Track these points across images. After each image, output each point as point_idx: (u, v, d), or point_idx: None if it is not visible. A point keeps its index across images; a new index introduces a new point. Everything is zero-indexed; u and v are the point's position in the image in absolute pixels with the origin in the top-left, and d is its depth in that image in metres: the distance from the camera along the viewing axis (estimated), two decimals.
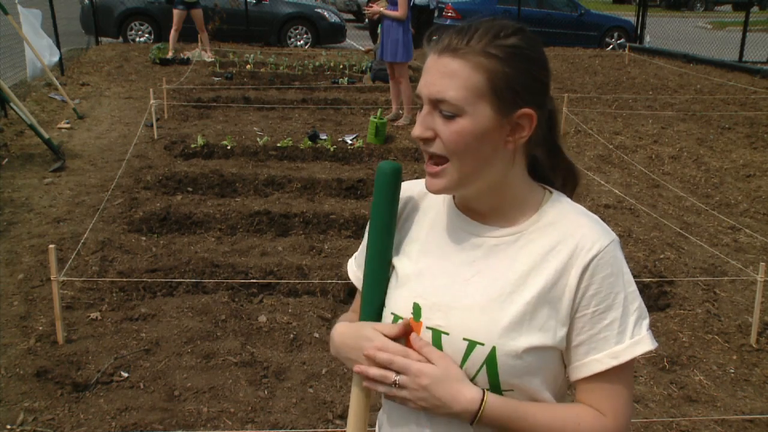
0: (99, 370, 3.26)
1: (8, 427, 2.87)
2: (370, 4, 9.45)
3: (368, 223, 1.27)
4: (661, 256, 4.76)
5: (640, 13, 15.79)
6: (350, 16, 21.01)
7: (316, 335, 3.65)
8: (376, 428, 1.35)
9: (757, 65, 12.54)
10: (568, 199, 1.23)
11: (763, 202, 5.98)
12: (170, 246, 4.62)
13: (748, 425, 3.09)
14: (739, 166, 6.87)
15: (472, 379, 1.13)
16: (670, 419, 3.10)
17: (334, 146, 6.93)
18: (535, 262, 1.15)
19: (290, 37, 14.64)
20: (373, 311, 1.25)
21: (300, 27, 14.64)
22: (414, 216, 1.29)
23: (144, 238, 4.72)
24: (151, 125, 7.33)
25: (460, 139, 1.11)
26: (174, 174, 5.95)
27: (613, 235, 1.16)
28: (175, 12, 11.77)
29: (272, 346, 3.54)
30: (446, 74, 1.10)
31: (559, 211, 1.19)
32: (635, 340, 1.13)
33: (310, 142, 7.01)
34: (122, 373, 3.27)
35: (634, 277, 1.17)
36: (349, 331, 1.24)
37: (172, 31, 11.89)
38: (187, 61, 11.75)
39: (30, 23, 8.33)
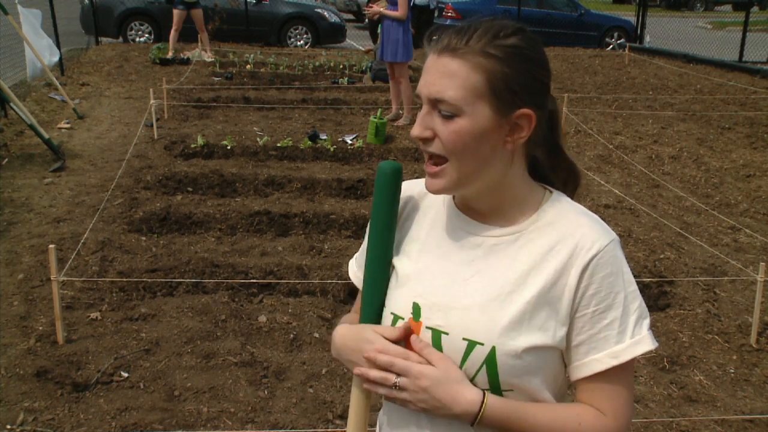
0: (99, 370, 3.26)
1: (8, 427, 2.87)
2: (370, 4, 9.45)
3: (368, 223, 1.27)
4: (661, 256, 4.76)
5: (640, 13, 15.79)
6: (350, 16, 21.01)
7: (316, 335, 3.65)
8: (377, 429, 1.35)
9: (757, 65, 12.54)
10: (568, 199, 1.23)
11: (763, 202, 5.98)
12: (170, 246, 4.62)
13: (748, 425, 3.09)
14: (739, 166, 6.87)
15: (472, 379, 1.13)
16: (670, 419, 3.10)
17: (334, 146, 6.93)
18: (534, 261, 1.15)
19: (290, 37, 14.64)
20: (373, 311, 1.25)
21: (300, 27, 14.64)
22: (414, 216, 1.29)
23: (144, 238, 4.72)
24: (151, 125, 7.33)
25: (458, 139, 1.11)
26: (174, 174, 5.95)
27: (613, 235, 1.16)
28: (175, 12, 11.77)
29: (272, 346, 3.54)
30: (445, 74, 1.10)
31: (558, 210, 1.19)
32: (635, 340, 1.12)
33: (310, 142, 7.01)
34: (122, 373, 3.27)
35: (634, 277, 1.17)
36: (349, 334, 1.24)
37: (172, 31, 11.90)
38: (187, 61, 11.75)
39: (30, 23, 8.33)
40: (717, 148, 7.45)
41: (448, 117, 1.11)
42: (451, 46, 1.11)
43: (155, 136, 7.12)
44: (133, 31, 13.95)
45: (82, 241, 4.47)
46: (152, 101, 7.47)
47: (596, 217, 1.20)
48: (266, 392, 3.17)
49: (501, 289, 1.14)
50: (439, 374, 1.12)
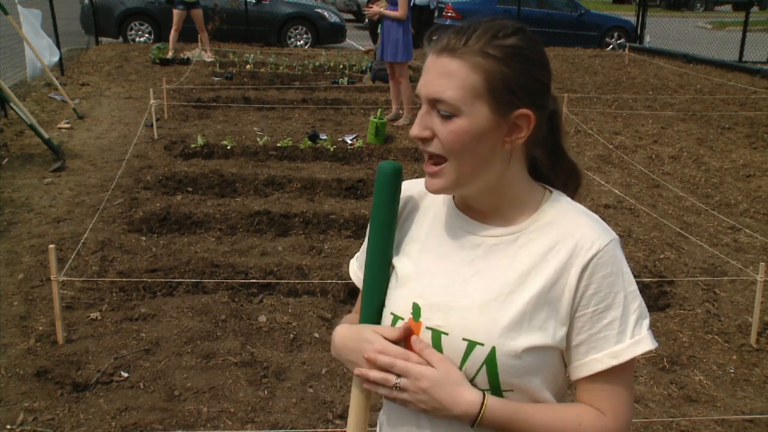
0: (99, 370, 3.26)
1: (8, 427, 2.87)
2: (370, 5, 9.45)
3: (368, 223, 1.27)
4: (661, 256, 4.76)
5: (640, 13, 15.79)
6: (350, 16, 21.01)
7: (316, 335, 3.65)
8: (377, 429, 1.35)
9: (757, 65, 12.54)
10: (568, 199, 1.23)
11: (763, 202, 5.98)
12: (170, 246, 4.62)
13: (748, 425, 3.09)
14: (739, 166, 6.87)
15: (472, 380, 1.13)
16: (670, 419, 3.10)
17: (334, 146, 6.93)
18: (534, 261, 1.15)
19: (290, 37, 14.64)
20: (373, 311, 1.25)
21: (300, 27, 14.64)
22: (414, 215, 1.29)
23: (144, 238, 4.72)
24: (151, 125, 7.33)
25: (457, 139, 1.11)
26: (174, 174, 5.95)
27: (613, 234, 1.15)
28: (175, 12, 11.77)
29: (272, 346, 3.54)
30: (444, 74, 1.10)
31: (558, 210, 1.19)
32: (635, 340, 1.12)
33: (310, 142, 7.01)
34: (122, 373, 3.27)
35: (634, 276, 1.17)
36: (349, 334, 1.24)
37: (172, 31, 11.89)
38: (187, 61, 11.75)
39: (30, 23, 8.33)
40: (717, 148, 7.45)
41: (447, 117, 1.11)
42: (450, 46, 1.11)
43: (155, 136, 7.12)
44: (133, 31, 13.95)
45: (82, 241, 4.47)
46: (152, 101, 7.47)
47: (596, 216, 1.19)
48: (266, 392, 3.17)
49: (501, 289, 1.14)
50: (439, 375, 1.12)
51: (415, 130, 1.14)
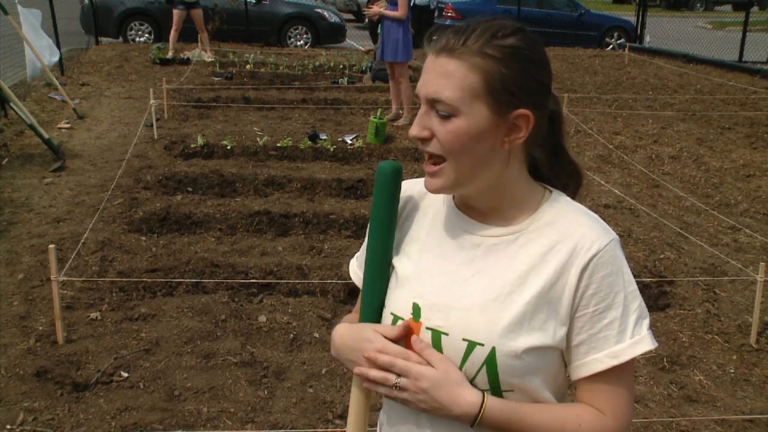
0: (99, 370, 3.26)
1: (8, 427, 2.87)
2: (370, 5, 9.45)
3: (368, 223, 1.27)
4: (661, 256, 4.76)
5: (640, 13, 15.79)
6: (350, 16, 21.01)
7: (316, 335, 3.65)
8: (377, 428, 1.35)
9: (757, 65, 12.54)
10: (568, 199, 1.22)
11: (763, 202, 5.98)
12: (170, 246, 4.62)
13: (748, 425, 3.09)
14: (739, 166, 6.87)
15: (472, 380, 1.13)
16: (670, 419, 3.10)
17: (334, 146, 6.93)
18: (534, 261, 1.15)
19: (290, 37, 14.64)
20: (373, 311, 1.25)
21: (300, 27, 14.64)
22: (414, 215, 1.29)
23: (144, 238, 4.72)
24: (151, 125, 7.33)
25: (455, 139, 1.11)
26: (174, 174, 5.95)
27: (613, 234, 1.15)
28: (175, 12, 11.77)
29: (272, 346, 3.54)
30: (443, 74, 1.10)
31: (558, 210, 1.19)
32: (635, 340, 1.12)
33: (310, 142, 7.01)
34: (122, 373, 3.27)
35: (634, 276, 1.17)
36: (349, 333, 1.24)
37: (172, 31, 11.89)
38: (187, 61, 11.75)
39: (30, 23, 8.33)
40: (717, 148, 7.45)
41: (446, 117, 1.11)
42: (449, 47, 1.11)
43: (155, 136, 7.12)
44: (133, 31, 13.95)
45: (82, 241, 4.47)
46: (152, 101, 7.47)
47: (596, 216, 1.19)
48: (266, 392, 3.17)
49: (501, 290, 1.14)
50: (439, 376, 1.12)
51: (414, 130, 1.14)
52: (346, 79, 10.66)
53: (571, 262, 1.13)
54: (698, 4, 30.32)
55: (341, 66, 11.85)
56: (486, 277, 1.16)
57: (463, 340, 1.13)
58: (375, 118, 7.29)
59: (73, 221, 4.97)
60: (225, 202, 5.41)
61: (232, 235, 4.83)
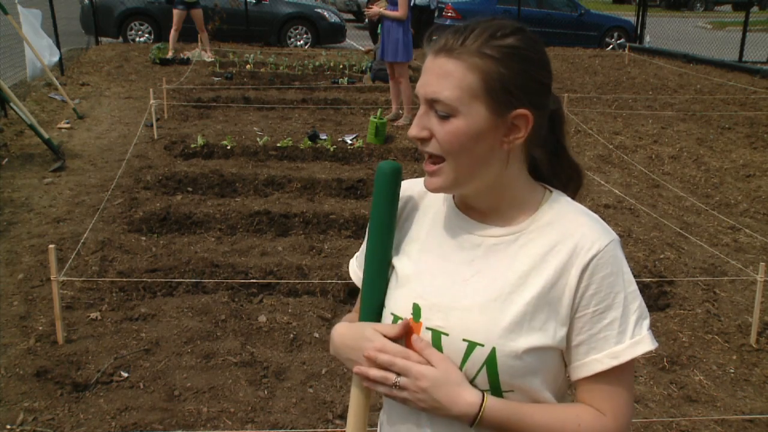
0: (99, 370, 3.26)
1: (8, 427, 2.87)
2: (370, 5, 9.44)
3: (368, 223, 1.27)
4: (661, 256, 4.76)
5: (640, 13, 15.79)
6: (350, 16, 21.01)
7: (316, 335, 3.65)
8: (377, 428, 1.35)
9: (757, 65, 12.54)
10: (568, 199, 1.22)
11: (763, 202, 5.98)
12: (170, 246, 4.62)
13: (748, 425, 3.09)
14: (739, 166, 6.87)
15: (472, 380, 1.13)
16: (670, 419, 3.10)
17: (334, 146, 6.93)
18: (534, 262, 1.15)
19: (290, 37, 14.64)
20: (373, 311, 1.25)
21: (300, 27, 14.64)
22: (414, 215, 1.29)
23: (144, 238, 4.72)
24: (151, 125, 7.33)
25: (454, 139, 1.11)
26: (174, 174, 5.95)
27: (613, 235, 1.15)
28: (175, 12, 11.77)
29: (272, 346, 3.54)
30: (441, 74, 1.10)
31: (558, 210, 1.19)
32: (635, 340, 1.12)
33: (310, 142, 7.01)
34: (122, 373, 3.27)
35: (634, 277, 1.17)
36: (348, 332, 1.24)
37: (172, 31, 11.89)
38: (187, 61, 11.75)
39: (30, 23, 8.33)
40: (717, 148, 7.45)
41: (444, 117, 1.11)
42: (448, 47, 1.11)
43: (155, 136, 7.12)
44: (133, 31, 13.95)
45: (82, 241, 4.47)
46: (152, 101, 7.47)
47: (596, 216, 1.19)
48: (266, 392, 3.17)
49: (501, 290, 1.14)
50: (439, 375, 1.12)
51: (414, 131, 1.14)
52: (346, 79, 10.66)
53: (572, 262, 1.13)
54: (698, 4, 30.32)
55: (341, 66, 11.85)
56: (486, 278, 1.16)
57: (464, 340, 1.13)
58: (375, 118, 7.29)
59: (73, 221, 4.97)
60: (225, 202, 5.41)
61: (232, 235, 4.83)
